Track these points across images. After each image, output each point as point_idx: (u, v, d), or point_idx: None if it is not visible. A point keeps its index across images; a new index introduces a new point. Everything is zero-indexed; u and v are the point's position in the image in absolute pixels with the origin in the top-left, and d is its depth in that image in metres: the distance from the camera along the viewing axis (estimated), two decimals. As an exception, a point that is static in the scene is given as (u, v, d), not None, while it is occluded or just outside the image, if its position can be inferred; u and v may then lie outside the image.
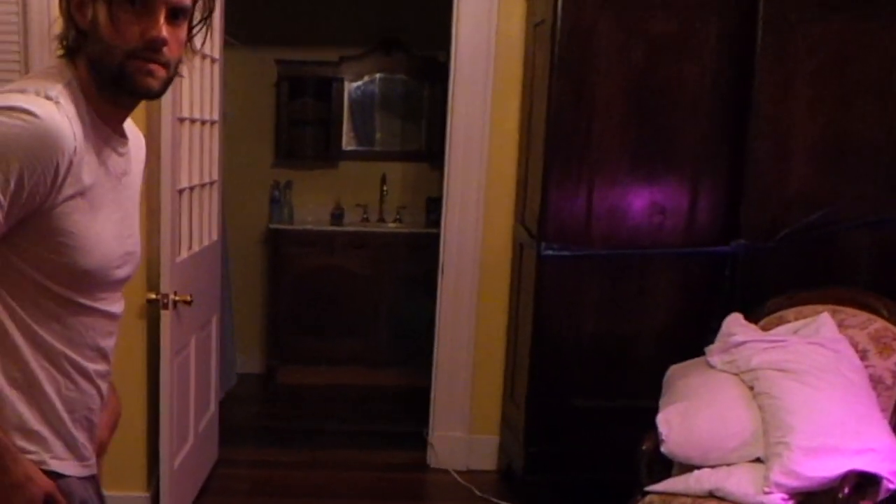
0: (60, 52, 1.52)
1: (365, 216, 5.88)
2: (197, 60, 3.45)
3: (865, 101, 3.60)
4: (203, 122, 3.64)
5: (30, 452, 1.48)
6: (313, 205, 5.82)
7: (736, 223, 3.62)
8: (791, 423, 2.80)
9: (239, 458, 4.29)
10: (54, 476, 1.50)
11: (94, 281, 1.50)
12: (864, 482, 2.68)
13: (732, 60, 3.57)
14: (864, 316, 3.13)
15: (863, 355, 3.02)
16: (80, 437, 1.56)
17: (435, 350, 4.29)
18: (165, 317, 3.22)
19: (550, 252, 3.63)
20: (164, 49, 1.46)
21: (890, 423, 2.89)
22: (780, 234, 3.59)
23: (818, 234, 3.61)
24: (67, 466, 1.54)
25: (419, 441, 4.39)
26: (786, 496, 2.71)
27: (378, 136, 5.99)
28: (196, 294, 3.39)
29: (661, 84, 3.59)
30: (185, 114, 3.39)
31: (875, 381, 2.97)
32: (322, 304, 5.62)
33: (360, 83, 5.91)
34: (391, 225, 5.86)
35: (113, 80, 1.47)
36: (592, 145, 3.61)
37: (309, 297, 5.61)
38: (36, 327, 1.46)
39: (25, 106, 1.36)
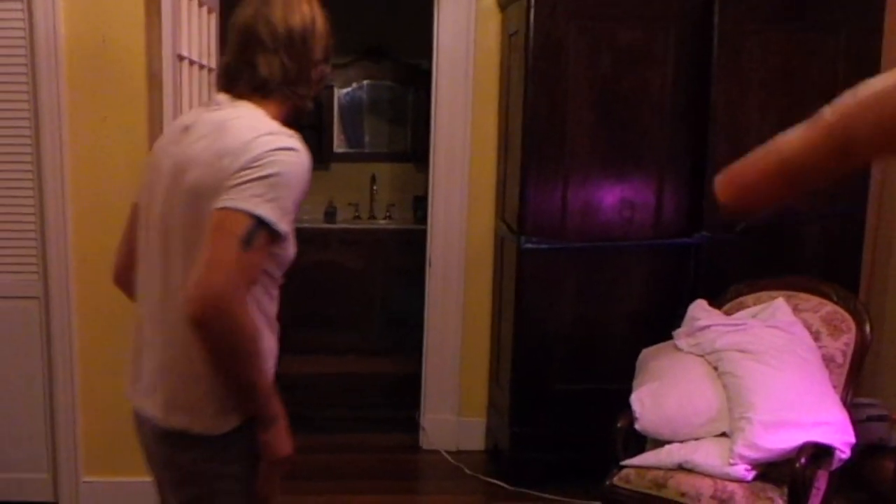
0: (256, 89, 1.75)
1: (356, 214, 5.92)
2: (194, 5, 3.36)
3: (811, 106, 3.61)
4: (202, 67, 3.51)
5: None
6: (308, 204, 5.82)
7: (699, 217, 3.67)
8: (752, 400, 2.86)
9: (244, 444, 4.32)
10: None
11: (289, 263, 1.78)
12: (819, 453, 2.76)
13: (691, 67, 3.63)
14: (815, 300, 3.19)
15: (816, 336, 3.09)
16: None
17: (425, 338, 4.32)
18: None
19: (530, 245, 3.69)
20: None
21: (841, 398, 2.96)
22: (739, 227, 3.63)
23: (772, 227, 3.67)
24: None
25: (412, 424, 4.42)
26: (749, 467, 2.78)
27: (367, 138, 6.03)
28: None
29: (627, 89, 3.65)
30: (185, 52, 3.29)
31: (827, 360, 3.05)
32: (319, 297, 5.65)
33: (348, 89, 5.95)
34: (381, 222, 5.90)
35: (297, 117, 1.79)
36: (566, 146, 3.66)
37: (306, 291, 5.61)
38: (265, 304, 1.75)
39: (293, 145, 1.65)
